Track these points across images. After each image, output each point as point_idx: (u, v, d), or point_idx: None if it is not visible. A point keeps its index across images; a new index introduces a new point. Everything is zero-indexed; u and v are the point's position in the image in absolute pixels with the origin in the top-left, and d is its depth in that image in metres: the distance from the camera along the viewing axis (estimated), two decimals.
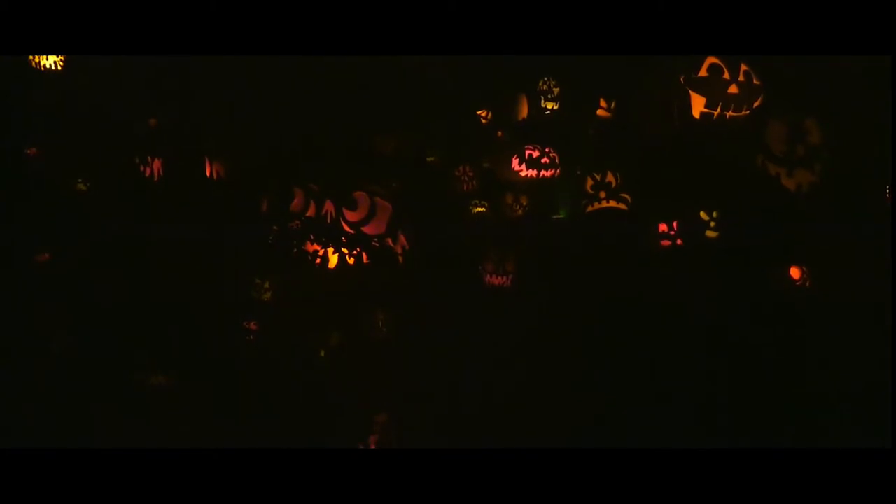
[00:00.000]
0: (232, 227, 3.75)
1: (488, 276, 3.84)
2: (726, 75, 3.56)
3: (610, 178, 3.91)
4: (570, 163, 4.07)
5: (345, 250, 3.90)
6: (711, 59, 3.54)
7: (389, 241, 3.95)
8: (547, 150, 4.08)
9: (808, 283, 3.41)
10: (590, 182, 3.92)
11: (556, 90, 4.18)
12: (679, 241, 3.58)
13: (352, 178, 3.97)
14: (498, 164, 4.18)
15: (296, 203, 3.93)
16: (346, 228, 3.95)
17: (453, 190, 4.16)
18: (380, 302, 3.78)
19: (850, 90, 3.50)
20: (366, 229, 3.95)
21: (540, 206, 4.07)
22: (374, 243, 3.94)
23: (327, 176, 3.96)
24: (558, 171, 4.10)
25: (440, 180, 4.15)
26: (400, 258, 3.94)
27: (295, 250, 3.88)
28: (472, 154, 4.20)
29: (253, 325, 3.74)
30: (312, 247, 3.90)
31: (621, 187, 3.87)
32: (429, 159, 4.20)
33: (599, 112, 4.15)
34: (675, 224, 3.62)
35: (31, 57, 3.70)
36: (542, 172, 4.08)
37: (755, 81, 3.61)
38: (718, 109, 3.57)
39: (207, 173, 3.88)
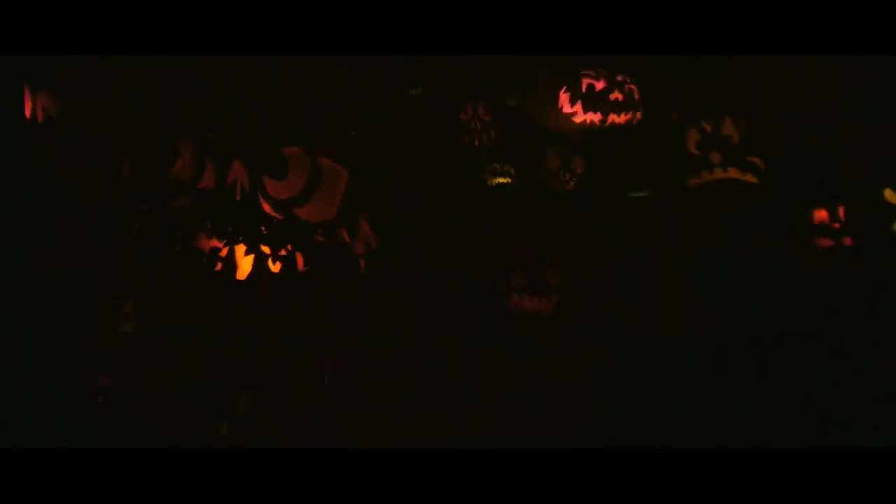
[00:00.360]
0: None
1: (516, 295, 3.00)
2: None
3: (729, 128, 3.05)
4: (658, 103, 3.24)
5: (265, 248, 2.98)
6: None
7: (343, 234, 3.09)
8: (619, 78, 3.12)
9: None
10: (694, 137, 3.08)
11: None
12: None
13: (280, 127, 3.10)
14: (533, 103, 3.25)
15: (180, 164, 2.96)
16: (268, 210, 3.02)
17: (456, 145, 3.26)
18: (328, 334, 3.01)
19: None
20: (302, 212, 3.00)
21: (606, 175, 3.27)
22: (316, 237, 3.05)
23: (240, 129, 3.08)
24: (639, 114, 3.19)
25: (433, 127, 3.25)
26: (361, 262, 3.08)
27: (177, 247, 3.02)
28: (487, 84, 3.32)
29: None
30: (209, 242, 3.00)
31: (748, 146, 3.07)
32: (412, 92, 3.25)
33: None
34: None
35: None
36: (612, 117, 3.13)
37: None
38: None
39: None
